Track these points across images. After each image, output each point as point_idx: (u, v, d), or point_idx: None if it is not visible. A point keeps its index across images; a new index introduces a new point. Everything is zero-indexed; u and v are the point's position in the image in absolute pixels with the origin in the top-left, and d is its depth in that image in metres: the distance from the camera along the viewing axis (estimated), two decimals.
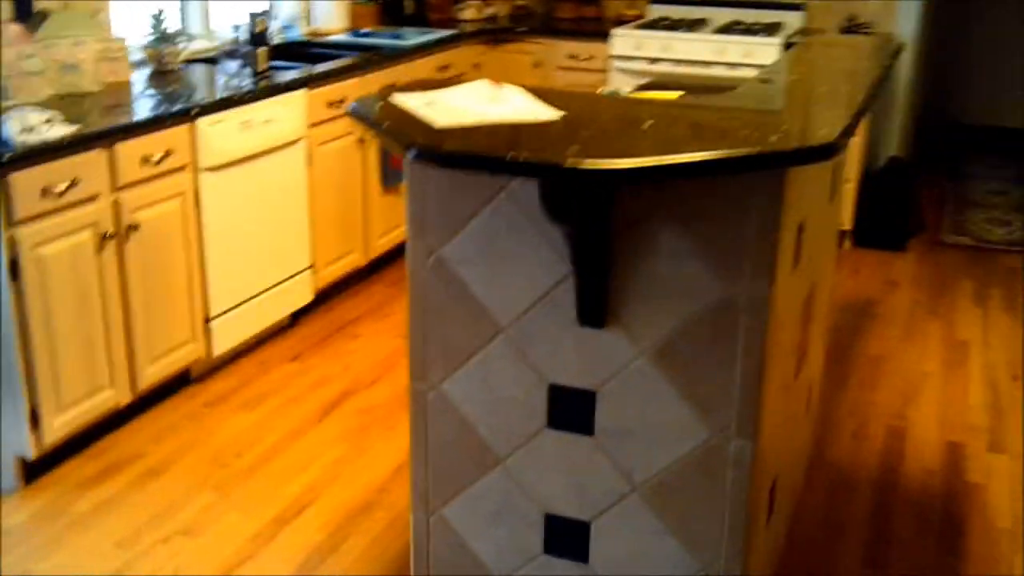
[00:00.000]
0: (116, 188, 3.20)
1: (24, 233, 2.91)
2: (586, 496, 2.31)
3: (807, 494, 3.16)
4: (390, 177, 4.70)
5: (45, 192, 2.95)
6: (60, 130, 3.00)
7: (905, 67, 5.54)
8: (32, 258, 2.94)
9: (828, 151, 1.91)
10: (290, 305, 4.18)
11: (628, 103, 2.39)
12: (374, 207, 4.65)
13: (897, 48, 3.41)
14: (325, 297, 4.54)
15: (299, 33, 4.95)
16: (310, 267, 4.26)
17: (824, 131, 2.02)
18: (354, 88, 4.37)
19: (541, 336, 2.24)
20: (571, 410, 2.27)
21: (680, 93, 2.75)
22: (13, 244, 2.89)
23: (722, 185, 2.03)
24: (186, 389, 3.74)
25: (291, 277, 4.14)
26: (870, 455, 3.37)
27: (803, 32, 5.44)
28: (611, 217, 2.08)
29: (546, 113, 2.11)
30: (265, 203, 3.91)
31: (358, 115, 2.13)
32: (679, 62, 5.24)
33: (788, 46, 5.07)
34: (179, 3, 4.47)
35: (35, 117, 2.99)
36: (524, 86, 2.37)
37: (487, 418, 2.34)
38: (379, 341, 4.19)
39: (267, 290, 4.01)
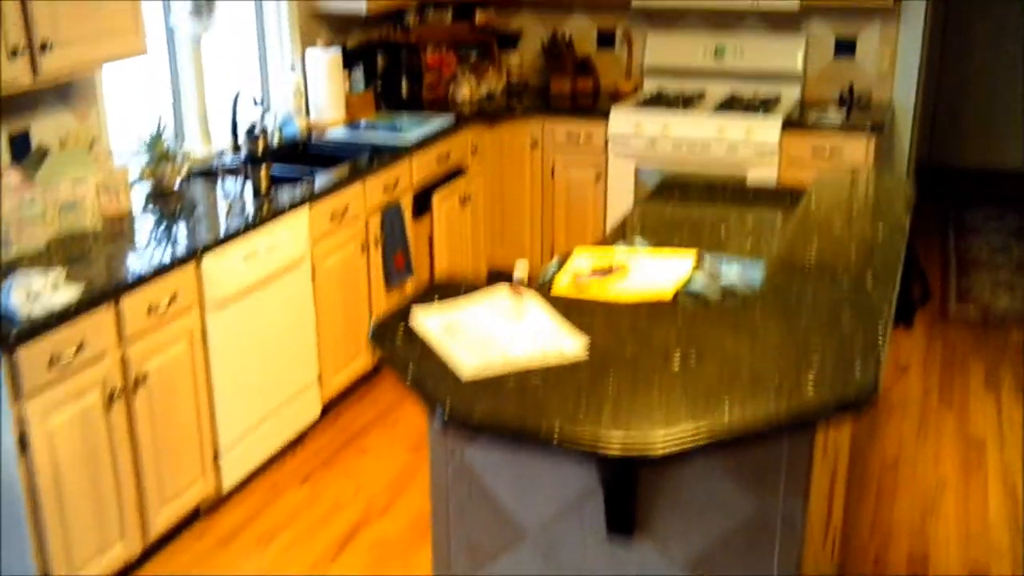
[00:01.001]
0: (122, 342, 3.15)
1: (32, 407, 2.86)
2: None
3: None
4: (394, 277, 4.66)
5: (52, 362, 2.90)
6: (65, 294, 2.95)
7: (902, 130, 5.53)
8: (41, 431, 2.89)
9: (866, 400, 1.87)
10: (298, 423, 4.13)
11: (651, 319, 2.31)
12: (379, 309, 4.61)
13: (911, 201, 3.35)
14: (331, 406, 4.49)
15: (296, 129, 4.90)
16: (317, 379, 4.21)
17: (860, 374, 1.98)
18: (356, 195, 4.33)
19: (571, 543, 2.20)
20: None
21: (693, 252, 2.72)
22: (22, 421, 2.84)
23: None
24: (195, 526, 3.68)
25: (298, 393, 4.09)
26: None
27: (803, 104, 5.42)
28: None
29: (570, 345, 2.06)
30: (271, 327, 3.86)
31: (382, 347, 2.08)
32: (678, 143, 5.21)
33: (788, 124, 5.05)
34: (175, 112, 4.41)
35: (39, 282, 2.94)
36: (544, 296, 2.32)
37: None
38: (389, 455, 4.15)
39: (275, 412, 3.96)
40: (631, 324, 2.25)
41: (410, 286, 4.82)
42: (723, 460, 2.01)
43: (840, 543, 3.51)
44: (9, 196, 3.29)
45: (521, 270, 2.55)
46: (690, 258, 2.70)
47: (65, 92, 3.68)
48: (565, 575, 2.22)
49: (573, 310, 2.26)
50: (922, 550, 3.51)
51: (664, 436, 1.75)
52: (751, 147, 5.09)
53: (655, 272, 2.59)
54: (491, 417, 1.84)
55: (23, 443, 2.86)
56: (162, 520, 3.40)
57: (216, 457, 3.65)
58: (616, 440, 1.74)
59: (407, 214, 4.74)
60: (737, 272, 2.59)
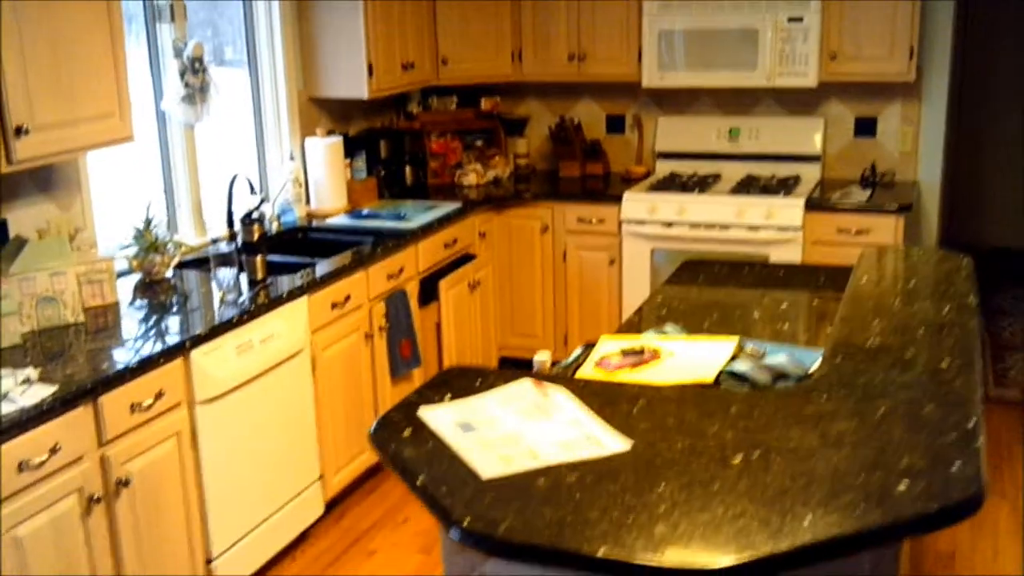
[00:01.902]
0: (103, 444, 2.88)
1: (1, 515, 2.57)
2: None
3: None
4: (400, 367, 4.40)
5: (22, 467, 2.62)
6: (38, 393, 2.69)
7: (928, 209, 5.30)
8: (8, 540, 2.60)
9: (974, 505, 1.59)
10: (299, 523, 3.82)
11: (699, 407, 2.00)
12: (384, 401, 4.33)
13: (973, 278, 3.07)
14: (336, 502, 4.18)
15: (296, 217, 4.69)
16: (319, 479, 3.91)
17: (961, 473, 1.67)
18: (358, 283, 4.09)
19: None
20: None
21: (735, 339, 2.44)
22: None
23: None
24: None
25: (300, 493, 3.80)
26: None
27: (823, 184, 5.21)
28: None
29: (609, 440, 1.77)
30: (268, 423, 3.58)
31: (383, 451, 1.80)
32: (696, 225, 4.98)
33: (811, 204, 4.83)
34: (167, 201, 4.21)
35: (8, 382, 2.69)
36: (570, 384, 2.04)
37: None
38: (399, 558, 3.83)
39: (274, 513, 3.65)
40: (676, 415, 1.96)
41: (417, 376, 4.55)
42: None
43: None
44: None
45: (543, 356, 2.29)
46: (731, 343, 2.42)
47: (45, 179, 3.48)
48: None
49: (606, 398, 1.98)
50: None
51: (735, 561, 1.45)
52: (773, 229, 4.86)
53: (693, 356, 2.32)
54: (519, 533, 1.53)
55: None
56: None
57: (209, 563, 3.34)
58: (673, 566, 1.42)
59: (413, 301, 4.50)
60: (786, 356, 2.32)
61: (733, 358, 2.27)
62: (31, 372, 2.77)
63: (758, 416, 1.94)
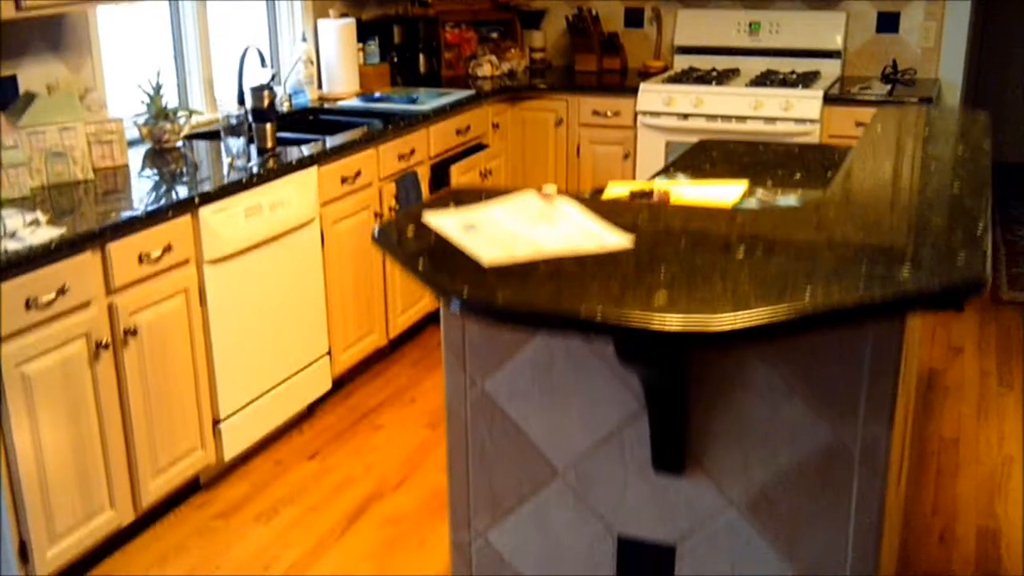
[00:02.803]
0: (111, 292, 2.88)
1: (6, 350, 2.58)
2: None
3: None
4: None
5: (30, 304, 2.62)
6: (45, 233, 2.69)
7: (950, 107, 5.21)
8: (16, 376, 2.61)
9: (975, 286, 1.57)
10: (307, 396, 3.84)
11: (706, 217, 2.01)
12: (393, 283, 4.33)
13: (988, 129, 3.03)
14: (343, 382, 4.20)
15: (307, 100, 4.65)
16: (327, 353, 3.92)
17: (965, 262, 1.67)
18: (369, 160, 4.06)
19: (608, 480, 1.89)
20: (645, 565, 1.92)
21: (744, 182, 2.42)
22: None
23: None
24: (194, 498, 3.40)
25: (307, 366, 3.81)
26: (964, 562, 3.00)
27: (843, 81, 5.13)
28: (689, 364, 1.74)
29: (612, 238, 1.76)
30: (277, 291, 3.58)
31: (386, 246, 1.79)
32: (712, 117, 4.92)
33: (829, 98, 4.76)
34: (177, 75, 4.17)
35: (16, 221, 2.68)
36: (576, 197, 2.03)
37: (543, 573, 1.99)
38: (404, 432, 3.85)
39: (282, 383, 3.67)
40: (683, 224, 1.94)
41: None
42: (790, 378, 1.71)
43: (902, 521, 3.18)
44: None
45: (550, 189, 2.26)
46: (741, 185, 2.40)
47: (56, 38, 3.45)
48: (601, 519, 1.91)
49: (612, 210, 1.96)
50: (992, 526, 3.18)
51: (734, 314, 1.44)
52: (790, 121, 4.79)
53: (704, 196, 2.29)
54: (518, 301, 1.52)
55: None
56: (157, 488, 3.11)
57: (216, 425, 3.36)
58: (674, 319, 1.42)
59: (424, 185, 4.47)
60: (797, 199, 2.29)
61: (746, 195, 2.25)
62: (39, 215, 2.77)
63: (764, 222, 1.92)
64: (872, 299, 1.48)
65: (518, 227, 1.77)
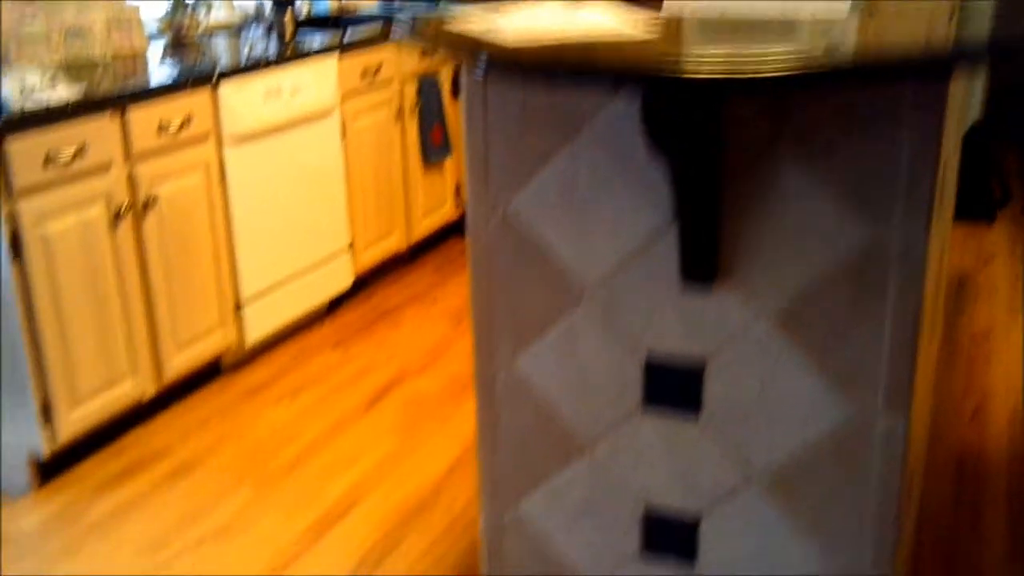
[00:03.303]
0: (130, 158, 2.85)
1: (25, 207, 2.56)
2: (693, 487, 1.92)
3: (930, 481, 2.74)
4: (431, 153, 4.33)
5: (48, 161, 2.60)
6: (64, 91, 2.65)
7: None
8: (36, 235, 2.59)
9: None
10: (328, 289, 3.82)
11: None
12: (415, 186, 4.28)
13: None
14: (363, 285, 4.18)
15: (328, 6, 4.59)
16: (349, 248, 3.89)
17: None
18: (390, 57, 4.00)
19: (635, 299, 1.85)
20: (673, 386, 1.88)
21: None
22: (13, 219, 2.54)
23: (866, 105, 1.62)
24: (217, 381, 3.39)
25: (329, 259, 3.78)
26: (995, 439, 2.95)
27: None
28: (724, 145, 1.69)
29: (643, 30, 1.71)
30: (298, 179, 3.54)
31: (412, 34, 1.73)
32: None
33: None
34: None
35: (34, 77, 2.65)
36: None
37: (570, 399, 1.96)
38: (426, 328, 3.82)
39: (303, 273, 3.64)
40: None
41: (449, 166, 4.49)
42: (825, 177, 1.65)
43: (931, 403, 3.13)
44: (8, 9, 3.00)
45: None
46: None
47: None
48: (628, 341, 1.87)
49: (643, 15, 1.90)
50: None
51: (774, 55, 1.37)
52: None
53: None
54: (545, 56, 1.46)
55: (16, 246, 2.56)
56: (179, 362, 3.09)
57: (238, 307, 3.34)
58: (712, 60, 1.35)
59: (445, 88, 4.41)
60: None
61: None
62: (58, 73, 2.73)
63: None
64: (918, 52, 1.41)
65: (544, 20, 1.73)
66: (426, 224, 4.41)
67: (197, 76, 3.03)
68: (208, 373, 3.35)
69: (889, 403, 1.73)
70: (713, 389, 1.85)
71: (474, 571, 2.40)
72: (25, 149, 2.53)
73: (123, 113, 2.80)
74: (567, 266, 1.89)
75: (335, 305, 3.99)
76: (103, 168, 2.76)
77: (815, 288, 1.73)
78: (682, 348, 1.85)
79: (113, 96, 2.75)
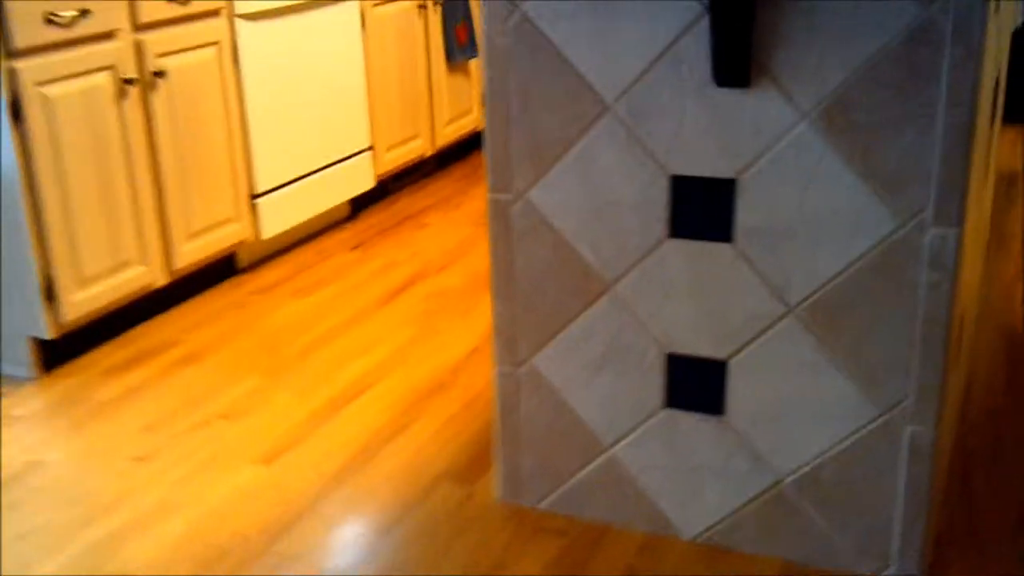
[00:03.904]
0: (137, 27, 2.73)
1: (26, 66, 2.44)
2: (723, 326, 1.76)
3: (982, 356, 2.57)
4: (456, 53, 4.18)
5: (49, 19, 2.47)
6: None
7: None
8: (36, 97, 2.48)
9: None
10: (349, 190, 3.68)
11: None
12: (440, 88, 4.13)
13: None
14: (387, 192, 4.05)
15: None
16: (370, 149, 3.76)
17: None
18: None
19: (663, 110, 1.69)
20: (701, 208, 1.72)
21: None
22: (13, 78, 2.42)
23: None
24: (233, 279, 3.28)
25: (349, 158, 3.65)
26: None
27: None
28: None
29: None
30: (315, 67, 3.41)
31: None
32: None
33: None
34: None
35: None
36: None
37: (590, 232, 1.81)
38: (449, 230, 3.68)
39: (322, 169, 3.52)
40: None
41: (474, 67, 4.34)
42: None
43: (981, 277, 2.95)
44: None
45: None
46: None
47: None
48: (655, 157, 1.71)
49: None
50: None
51: None
52: None
53: None
54: None
55: (16, 110, 2.44)
56: (190, 252, 2.98)
57: (254, 199, 3.22)
58: None
59: None
60: None
61: None
62: None
63: None
64: None
65: None
66: (450, 131, 4.26)
67: None
68: (223, 270, 3.24)
69: (938, 215, 1.57)
70: (746, 209, 1.69)
71: (487, 451, 2.27)
72: (24, 6, 2.41)
73: None
74: (590, 74, 1.73)
75: (357, 209, 3.87)
76: (108, 35, 2.64)
77: (860, 81, 1.56)
78: (712, 164, 1.69)
79: None
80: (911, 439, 1.69)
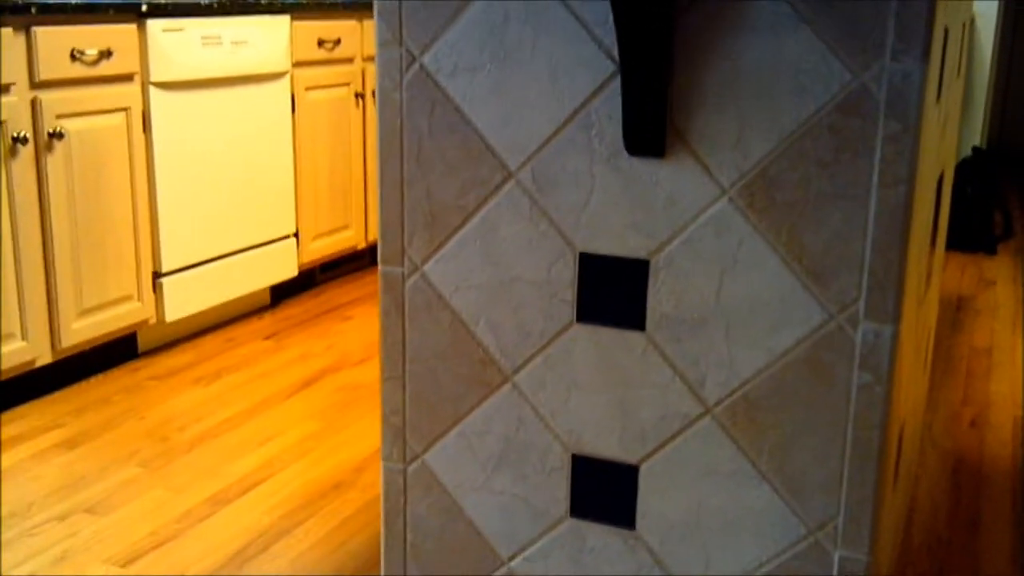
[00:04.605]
0: (36, 84, 2.55)
1: None
2: (634, 425, 1.56)
3: (925, 483, 2.38)
4: None
5: None
6: None
7: (985, 45, 4.87)
8: None
9: None
10: (268, 277, 3.48)
11: None
12: (375, 180, 3.98)
13: None
14: (314, 283, 3.86)
15: None
16: (294, 235, 3.57)
17: None
18: (351, 32, 3.74)
19: (569, 180, 1.52)
20: (612, 290, 1.54)
21: None
22: None
23: None
24: (131, 363, 3.03)
25: (270, 243, 3.45)
26: (998, 445, 2.60)
27: None
28: None
29: None
30: (237, 145, 3.24)
31: None
32: None
33: None
34: None
35: None
36: None
37: (490, 313, 1.62)
38: (376, 324, 3.48)
39: (239, 252, 3.31)
40: None
41: None
42: (802, 6, 1.34)
43: (927, 406, 2.78)
44: None
45: None
46: None
47: None
48: (561, 230, 1.54)
49: None
50: None
51: None
52: None
53: None
54: None
55: None
56: (81, 330, 2.74)
57: (157, 278, 3.00)
58: None
59: None
60: None
61: None
62: None
63: None
64: None
65: None
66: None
67: (123, 4, 2.75)
68: (122, 352, 3.00)
69: (871, 308, 1.39)
70: (662, 290, 1.51)
71: (376, 560, 2.02)
72: None
73: (29, 30, 2.51)
74: (491, 136, 1.56)
75: (279, 299, 3.66)
76: (2, 89, 2.45)
77: (787, 152, 1.40)
78: (624, 242, 1.51)
79: (18, 3, 2.46)
80: (841, 566, 1.48)
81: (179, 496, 2.25)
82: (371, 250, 4.16)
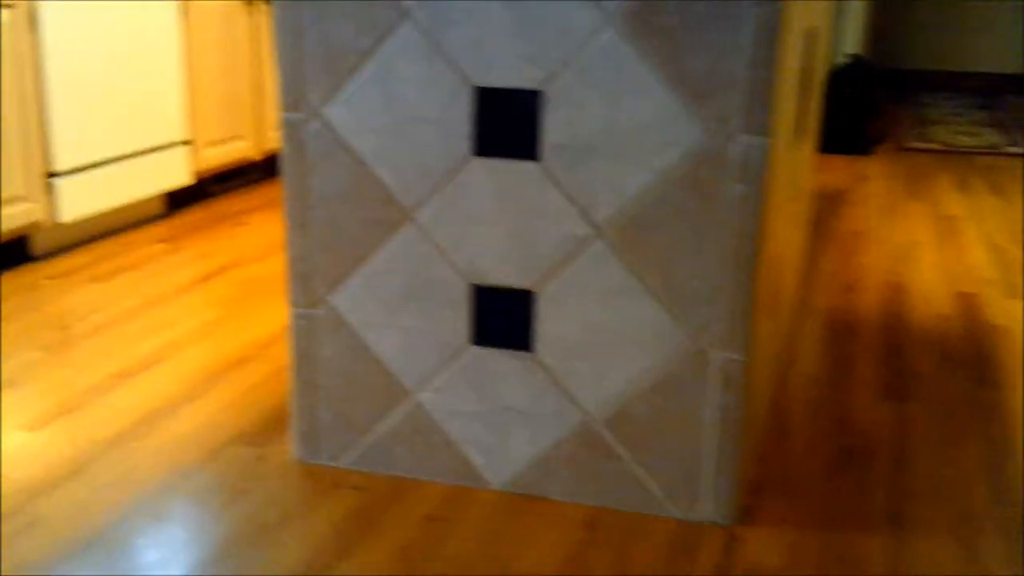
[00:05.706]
0: None
1: None
2: (531, 252, 1.65)
3: (803, 337, 2.54)
4: None
5: None
6: None
7: None
8: None
9: None
10: (162, 182, 3.46)
11: None
12: (269, 91, 3.97)
13: None
14: (209, 195, 3.84)
15: None
16: (187, 143, 3.55)
17: None
18: None
19: (464, 14, 1.59)
20: (507, 123, 1.62)
21: None
22: None
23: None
24: (26, 265, 3.00)
25: (162, 148, 3.43)
26: (871, 305, 2.78)
27: None
28: None
29: None
30: (127, 48, 3.20)
31: None
32: None
33: None
34: None
35: None
36: None
37: (390, 153, 1.68)
38: (272, 228, 3.50)
39: (132, 156, 3.29)
40: None
41: None
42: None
43: (803, 281, 2.95)
44: None
45: None
46: None
47: None
48: (457, 66, 1.60)
49: None
50: (900, 282, 2.97)
51: None
52: None
53: None
54: None
55: None
56: None
57: (50, 175, 2.97)
58: None
59: None
60: None
61: None
62: None
63: None
64: None
65: None
66: (279, 136, 4.08)
67: None
68: (15, 256, 2.97)
69: (747, 123, 1.50)
70: (555, 120, 1.59)
71: (287, 417, 2.08)
72: None
73: None
74: None
75: (174, 208, 3.65)
76: None
77: None
78: (518, 72, 1.59)
79: None
80: (722, 367, 1.60)
81: (83, 373, 2.27)
82: (266, 162, 4.16)
